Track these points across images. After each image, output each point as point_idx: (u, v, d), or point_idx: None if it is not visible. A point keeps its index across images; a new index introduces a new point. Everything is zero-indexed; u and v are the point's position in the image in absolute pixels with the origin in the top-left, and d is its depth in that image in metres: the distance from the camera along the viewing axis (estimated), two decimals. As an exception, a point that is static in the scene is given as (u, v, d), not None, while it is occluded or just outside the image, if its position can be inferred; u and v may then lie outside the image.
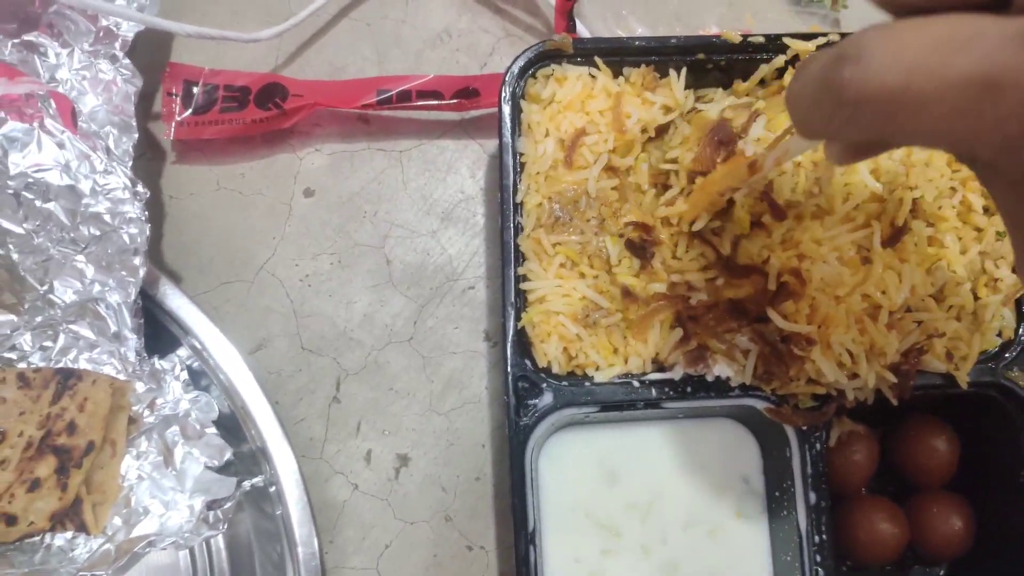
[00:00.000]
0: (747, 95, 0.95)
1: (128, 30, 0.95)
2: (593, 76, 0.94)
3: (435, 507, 0.98)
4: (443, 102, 1.01)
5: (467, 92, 1.01)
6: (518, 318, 0.89)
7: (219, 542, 0.95)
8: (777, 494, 0.93)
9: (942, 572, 1.01)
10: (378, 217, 1.03)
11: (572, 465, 0.94)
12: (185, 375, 0.93)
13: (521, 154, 0.92)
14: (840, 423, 0.96)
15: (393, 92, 1.00)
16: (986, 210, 0.94)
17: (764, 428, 0.94)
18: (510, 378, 0.88)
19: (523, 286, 0.90)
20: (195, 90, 1.00)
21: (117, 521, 0.89)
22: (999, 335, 0.94)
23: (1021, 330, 0.94)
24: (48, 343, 0.91)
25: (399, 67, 1.06)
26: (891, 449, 1.00)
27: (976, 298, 0.92)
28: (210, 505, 0.90)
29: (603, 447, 0.95)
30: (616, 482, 0.95)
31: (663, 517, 0.94)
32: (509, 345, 0.89)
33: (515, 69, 0.92)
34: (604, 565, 0.92)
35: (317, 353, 1.00)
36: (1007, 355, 0.93)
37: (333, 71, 1.06)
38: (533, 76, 0.93)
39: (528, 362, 0.89)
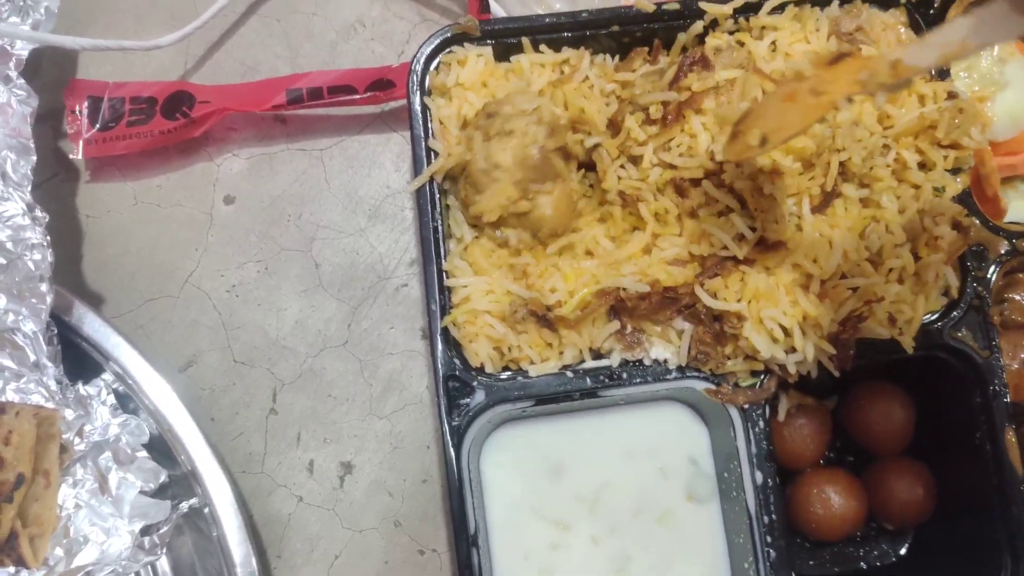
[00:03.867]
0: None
1: (22, 48, 0.91)
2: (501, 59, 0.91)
3: (383, 513, 0.96)
4: (357, 96, 0.97)
5: (381, 84, 0.97)
6: (444, 317, 0.86)
7: (164, 564, 0.93)
8: (726, 475, 0.91)
9: (908, 541, 0.99)
10: (303, 219, 1.01)
11: (515, 461, 0.92)
12: (112, 399, 0.90)
13: (433, 152, 0.89)
14: (788, 397, 0.93)
15: (303, 90, 0.96)
16: (922, 166, 0.91)
17: (708, 408, 0.91)
18: (440, 379, 0.86)
19: (448, 283, 0.87)
20: (101, 105, 0.97)
21: (58, 552, 0.87)
22: (945, 295, 0.91)
23: (966, 289, 0.91)
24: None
25: (313, 62, 1.03)
26: (845, 418, 0.97)
27: (917, 258, 0.89)
28: (145, 531, 0.88)
29: (546, 441, 0.93)
30: (562, 475, 0.92)
31: (612, 507, 0.92)
32: (436, 346, 0.86)
33: (421, 58, 0.89)
34: (554, 560, 0.90)
35: (250, 365, 0.98)
36: (953, 315, 0.91)
37: (245, 71, 1.03)
38: (438, 67, 0.90)
39: (458, 361, 0.87)
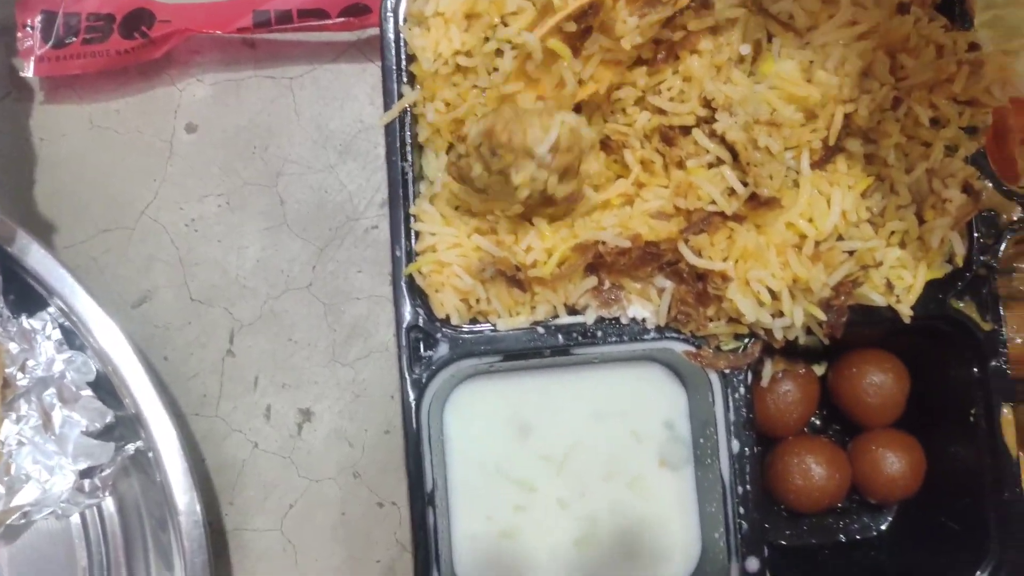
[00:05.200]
0: None
1: (-31, -45, 0.85)
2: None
3: (342, 463, 0.92)
4: (330, 21, 0.90)
5: (356, 8, 0.90)
6: (409, 264, 0.81)
7: (110, 507, 0.89)
8: (702, 440, 0.86)
9: (891, 516, 0.95)
10: (269, 153, 0.95)
11: (481, 417, 0.87)
12: (58, 334, 0.86)
13: (414, 75, 0.82)
14: (774, 362, 0.88)
15: (271, 13, 0.89)
16: (935, 122, 0.83)
17: (688, 370, 0.86)
18: (402, 329, 0.81)
19: (414, 227, 0.82)
20: (56, 21, 0.90)
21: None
22: (949, 262, 0.85)
23: (972, 256, 0.84)
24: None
25: (286, -18, 0.96)
26: (834, 386, 0.92)
27: (922, 222, 0.83)
28: (87, 472, 0.84)
29: (515, 397, 0.88)
30: (529, 434, 0.88)
31: (581, 469, 0.87)
32: (400, 294, 0.81)
33: (394, -15, 0.82)
34: (517, 522, 0.86)
35: (207, 304, 0.93)
36: (957, 283, 0.84)
37: (214, -11, 0.96)
38: (418, -12, 0.83)
39: (422, 311, 0.81)
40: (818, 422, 0.95)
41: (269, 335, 0.92)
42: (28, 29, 0.90)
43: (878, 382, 0.89)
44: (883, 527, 0.94)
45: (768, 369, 0.87)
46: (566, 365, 0.87)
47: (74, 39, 0.89)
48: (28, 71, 0.90)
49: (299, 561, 0.90)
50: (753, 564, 0.81)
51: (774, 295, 0.78)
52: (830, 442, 0.91)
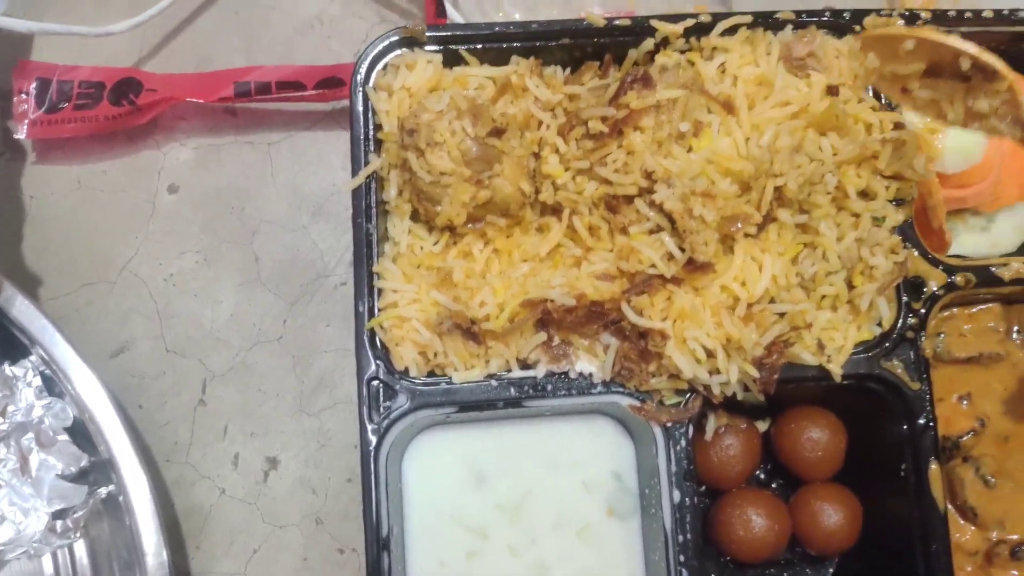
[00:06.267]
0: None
1: (-28, 28, 0.92)
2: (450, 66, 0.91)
3: (305, 510, 0.96)
4: (306, 93, 0.97)
5: (331, 82, 0.97)
6: (371, 319, 0.86)
7: (81, 549, 0.93)
8: (647, 491, 0.90)
9: (832, 570, 0.99)
10: (246, 213, 1.01)
11: (438, 466, 0.92)
12: (38, 381, 0.90)
13: (381, 142, 0.89)
14: (717, 416, 0.93)
15: (252, 84, 0.96)
16: (863, 195, 0.90)
17: (634, 423, 0.91)
18: (362, 380, 0.86)
19: (377, 284, 0.87)
20: (50, 87, 0.97)
21: (-25, 527, 0.88)
22: (879, 325, 0.91)
23: (900, 320, 0.90)
24: None
25: (269, 56, 1.03)
26: (776, 441, 0.97)
27: (851, 287, 0.89)
28: (59, 514, 0.88)
29: (471, 447, 0.92)
30: (484, 483, 0.92)
31: (532, 517, 0.91)
32: (361, 347, 0.86)
33: (366, 59, 0.89)
34: (470, 568, 0.90)
35: (182, 355, 0.98)
36: (885, 345, 0.90)
37: (199, 62, 1.03)
38: (385, 68, 0.89)
39: (382, 364, 0.86)
40: (762, 475, 1.00)
41: (240, 386, 0.97)
42: (23, 95, 0.96)
43: (816, 437, 0.94)
44: (825, 580, 0.98)
45: (711, 423, 0.92)
46: (521, 417, 0.92)
47: (66, 104, 0.96)
48: (22, 133, 0.96)
49: (260, 604, 0.94)
50: (692, 609, 0.85)
51: (709, 353, 0.84)
52: (771, 495, 0.95)
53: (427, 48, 0.90)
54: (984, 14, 0.97)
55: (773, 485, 1.00)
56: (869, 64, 0.90)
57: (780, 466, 0.98)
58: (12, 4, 0.95)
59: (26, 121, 0.96)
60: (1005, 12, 0.97)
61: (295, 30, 1.04)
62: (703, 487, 0.95)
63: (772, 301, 0.86)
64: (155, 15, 0.98)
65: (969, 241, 1.03)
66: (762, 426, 0.99)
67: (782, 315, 0.86)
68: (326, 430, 0.97)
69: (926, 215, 0.97)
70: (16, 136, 0.97)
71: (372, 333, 0.87)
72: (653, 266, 0.84)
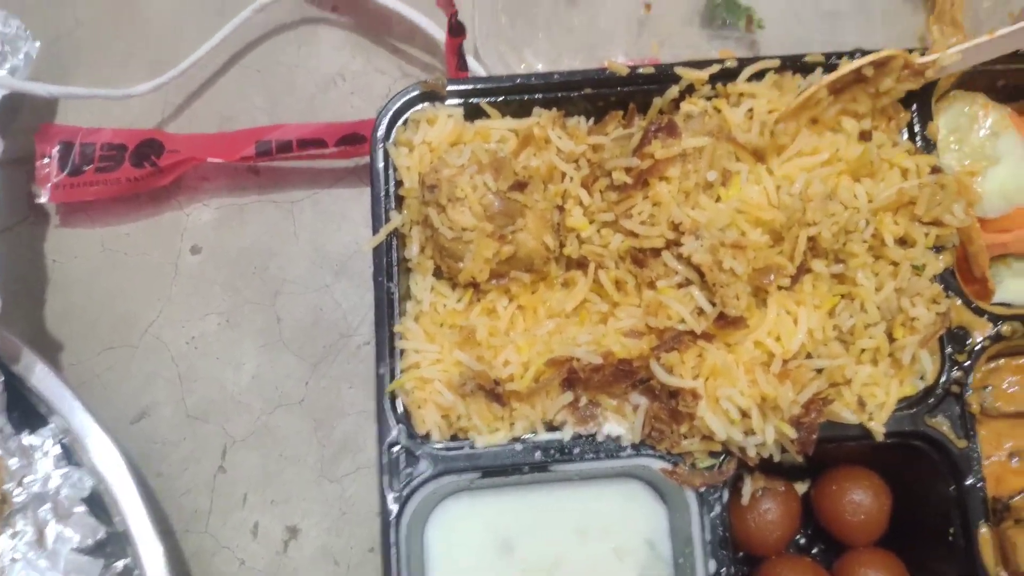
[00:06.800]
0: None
1: (-3, 94, 0.92)
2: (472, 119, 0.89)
3: (327, 581, 0.93)
4: (327, 150, 0.96)
5: (353, 138, 0.96)
6: (392, 381, 0.84)
7: (99, 623, 0.90)
8: (681, 560, 0.86)
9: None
10: (268, 273, 0.99)
11: (462, 534, 0.88)
12: (57, 449, 0.89)
13: (402, 199, 0.87)
14: (753, 479, 0.88)
15: (273, 143, 0.96)
16: (902, 242, 0.87)
17: (667, 487, 0.87)
18: (383, 446, 0.83)
19: (399, 345, 0.85)
20: (72, 151, 0.97)
21: (-11, 606, 0.86)
22: (922, 379, 0.86)
23: (944, 374, 0.86)
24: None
25: (291, 113, 1.03)
26: (816, 504, 0.92)
27: (892, 339, 0.85)
28: (71, 590, 0.86)
29: (496, 513, 0.89)
30: (510, 551, 0.88)
31: (562, 588, 0.88)
32: (382, 411, 0.84)
33: (386, 115, 0.88)
34: (494, 639, 0.86)
35: (203, 420, 0.96)
36: (929, 401, 0.86)
37: (222, 122, 1.03)
38: (406, 124, 0.88)
39: (404, 427, 0.84)
40: (803, 541, 0.95)
41: (261, 451, 0.95)
42: (46, 159, 0.96)
43: (858, 500, 0.89)
44: (873, 650, 0.92)
45: (748, 487, 0.88)
46: (548, 481, 0.89)
47: (88, 167, 0.96)
48: (44, 197, 0.96)
49: None
50: None
51: (743, 413, 0.80)
52: (812, 563, 0.90)
53: (448, 102, 0.89)
54: (1019, 52, 0.93)
55: (814, 551, 0.95)
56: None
57: (821, 530, 0.93)
58: (36, 69, 0.95)
59: (49, 184, 0.96)
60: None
61: (317, 87, 1.04)
62: (740, 554, 0.90)
63: (809, 356, 0.82)
64: (176, 76, 0.98)
65: (1014, 287, 0.98)
66: (801, 488, 0.95)
67: (820, 371, 0.82)
68: (348, 496, 0.94)
69: (968, 262, 0.93)
70: (39, 200, 0.97)
71: (393, 396, 0.84)
72: (683, 322, 0.81)
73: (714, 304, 0.81)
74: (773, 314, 0.82)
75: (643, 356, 0.82)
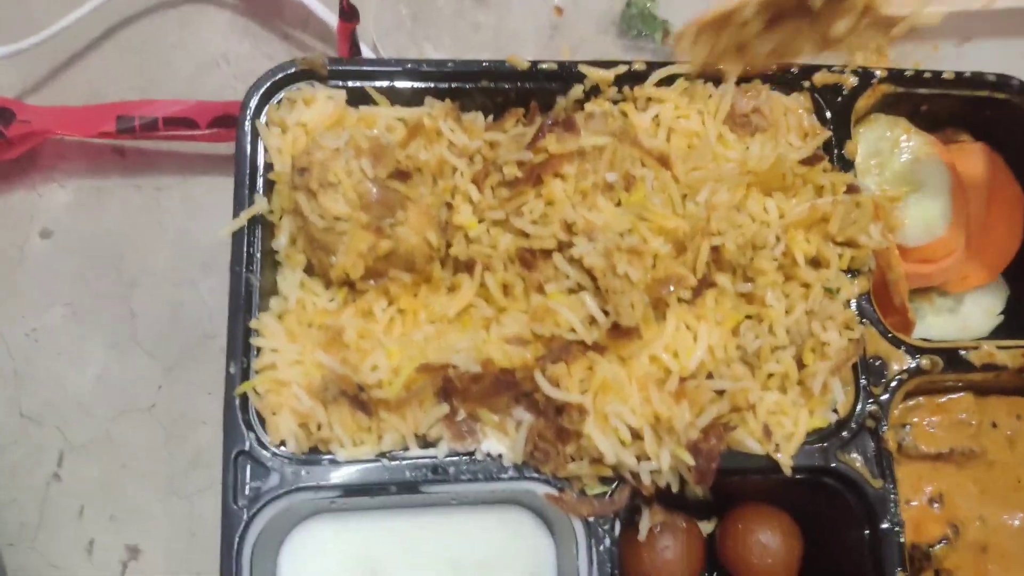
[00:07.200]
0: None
1: None
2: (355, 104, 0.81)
3: (167, 610, 0.81)
4: (198, 132, 0.87)
5: (226, 120, 0.88)
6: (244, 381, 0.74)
7: None
8: (566, 601, 0.77)
9: None
10: (125, 263, 0.89)
11: (321, 563, 0.78)
12: None
13: (272, 184, 0.79)
14: (652, 512, 0.80)
15: (136, 119, 0.86)
16: (814, 263, 0.80)
17: (555, 518, 0.78)
18: (227, 455, 0.73)
19: (254, 342, 0.76)
20: (-89, 115, 0.86)
21: None
22: (835, 412, 0.79)
23: (858, 406, 0.79)
24: None
25: (166, 94, 0.93)
26: (721, 544, 0.84)
27: (802, 366, 0.78)
28: None
29: (361, 540, 0.79)
30: (377, 580, 0.78)
31: (431, 626, 0.78)
32: (232, 415, 0.74)
33: (258, 91, 0.79)
34: None
35: (38, 422, 0.85)
36: (842, 434, 0.78)
37: (90, 97, 0.93)
38: (280, 103, 0.80)
39: (255, 436, 0.74)
40: (705, 586, 0.87)
41: (102, 461, 0.84)
42: None
43: (765, 541, 0.81)
44: None
45: (645, 521, 0.79)
46: (422, 505, 0.79)
47: (-72, 133, 0.85)
48: None
49: None
50: None
51: (636, 434, 0.72)
52: (713, 608, 0.82)
53: (330, 82, 0.81)
54: (944, 75, 0.89)
55: (718, 598, 0.87)
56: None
57: (726, 575, 0.85)
58: None
59: None
60: (967, 75, 0.89)
61: (198, 68, 0.95)
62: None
63: (710, 377, 0.75)
64: (38, 44, 0.89)
65: (937, 323, 0.93)
66: (707, 528, 0.86)
67: (721, 393, 0.74)
68: (199, 515, 0.84)
69: (887, 291, 0.87)
70: None
71: (245, 400, 0.74)
72: (572, 330, 0.73)
73: (607, 313, 0.73)
74: (671, 328, 0.74)
75: (527, 366, 0.74)
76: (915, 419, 0.85)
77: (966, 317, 0.93)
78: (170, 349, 0.87)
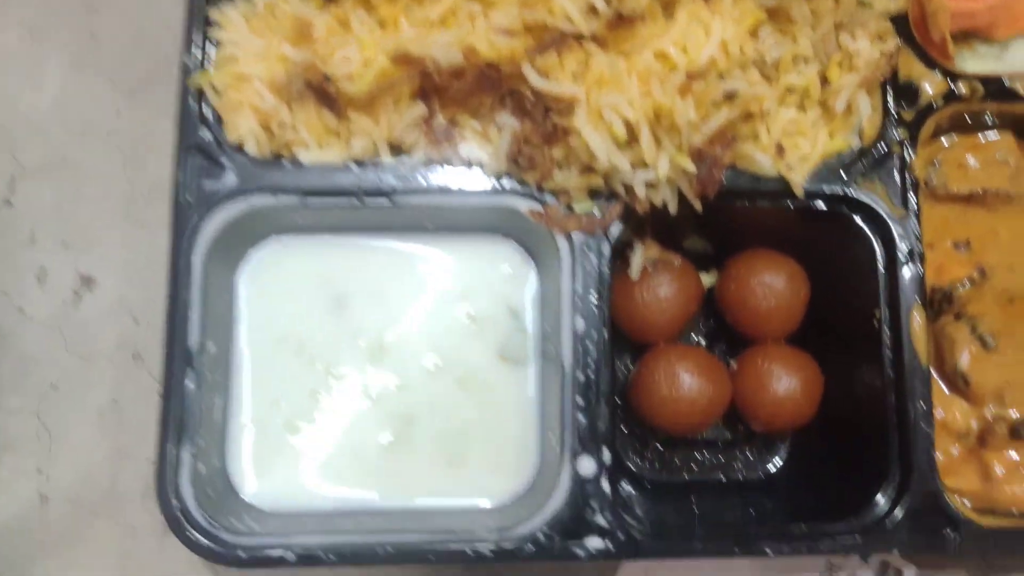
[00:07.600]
0: None
1: None
2: None
3: (122, 341, 0.76)
4: None
5: None
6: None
7: None
8: (550, 331, 0.70)
9: (782, 454, 0.78)
10: (84, -20, 0.81)
11: (284, 282, 0.72)
12: None
13: None
14: (646, 247, 0.72)
15: None
16: (848, -29, 0.71)
17: (539, 246, 0.71)
18: (180, 150, 0.66)
19: (214, 34, 0.68)
20: None
21: None
22: (859, 138, 0.71)
23: (884, 129, 0.70)
24: None
25: None
26: (721, 293, 0.77)
27: (826, 83, 0.69)
28: None
29: (331, 263, 0.73)
30: (344, 309, 0.72)
31: (403, 357, 0.72)
32: (187, 110, 0.67)
33: None
34: (310, 410, 0.70)
35: (-12, 142, 0.78)
36: (865, 159, 0.70)
37: None
38: None
39: (210, 133, 0.67)
40: (702, 340, 0.80)
41: (56, 185, 0.78)
42: None
43: (769, 282, 0.74)
44: (771, 468, 0.78)
45: (638, 256, 0.72)
46: (397, 231, 0.73)
47: None
48: None
49: (53, 450, 0.74)
50: (587, 466, 0.64)
51: (631, 135, 0.64)
52: (707, 352, 0.76)
53: None
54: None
55: (715, 351, 0.79)
56: None
57: (725, 327, 0.78)
58: None
59: None
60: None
61: None
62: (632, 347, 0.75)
63: (721, 79, 0.66)
64: None
65: (978, 70, 0.83)
66: (707, 280, 0.79)
67: (732, 98, 0.65)
68: (158, 245, 0.76)
69: (926, 26, 0.77)
70: None
71: (201, 95, 0.67)
72: (569, 19, 0.64)
73: (609, 2, 0.64)
74: (682, 21, 0.65)
75: (515, 60, 0.65)
76: (947, 158, 0.76)
77: (1012, 65, 0.83)
78: (133, 71, 0.80)
